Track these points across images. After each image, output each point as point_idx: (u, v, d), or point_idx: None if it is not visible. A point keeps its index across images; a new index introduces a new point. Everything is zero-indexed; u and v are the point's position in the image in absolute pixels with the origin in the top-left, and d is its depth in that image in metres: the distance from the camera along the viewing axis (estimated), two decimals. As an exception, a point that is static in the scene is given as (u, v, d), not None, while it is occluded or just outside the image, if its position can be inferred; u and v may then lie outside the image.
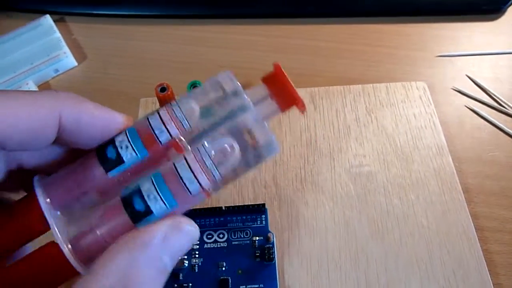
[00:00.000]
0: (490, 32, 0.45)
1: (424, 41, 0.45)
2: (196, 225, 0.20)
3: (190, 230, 0.20)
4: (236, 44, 0.46)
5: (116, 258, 0.18)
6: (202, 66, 0.44)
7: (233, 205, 0.32)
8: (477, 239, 0.31)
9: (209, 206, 0.32)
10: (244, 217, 0.31)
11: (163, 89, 0.35)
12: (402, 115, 0.37)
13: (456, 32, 0.45)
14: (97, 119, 0.20)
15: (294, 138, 0.36)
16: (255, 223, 0.31)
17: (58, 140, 0.19)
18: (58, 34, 0.45)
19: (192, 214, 0.31)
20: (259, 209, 0.31)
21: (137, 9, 0.48)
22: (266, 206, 0.32)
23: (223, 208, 0.31)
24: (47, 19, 0.46)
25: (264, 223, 0.31)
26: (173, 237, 0.19)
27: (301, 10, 0.46)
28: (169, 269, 0.19)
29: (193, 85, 0.35)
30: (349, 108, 0.37)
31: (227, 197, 0.33)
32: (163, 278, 0.19)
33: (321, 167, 0.34)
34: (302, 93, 0.38)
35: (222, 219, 0.31)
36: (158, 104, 0.37)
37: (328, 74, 0.43)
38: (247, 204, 0.31)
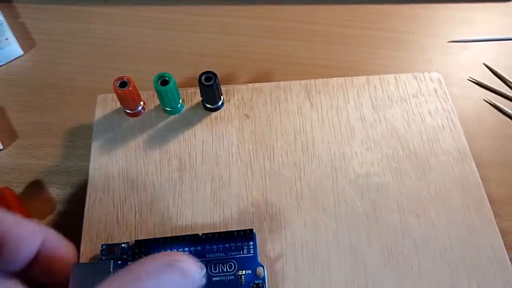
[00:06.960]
0: (511, 13, 0.39)
1: (433, 24, 0.39)
2: (200, 265, 0.20)
3: (186, 270, 0.20)
4: (217, 28, 0.39)
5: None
6: (175, 55, 0.37)
7: (212, 231, 0.26)
8: (509, 264, 0.25)
9: (183, 234, 0.25)
10: (227, 246, 0.25)
11: (123, 84, 0.28)
12: (415, 113, 0.30)
13: (471, 13, 0.39)
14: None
15: (287, 142, 0.29)
16: (241, 252, 0.25)
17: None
18: (0, 17, 0.38)
19: (161, 242, 0.25)
20: (245, 235, 0.25)
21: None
22: (254, 231, 0.25)
23: (200, 236, 0.25)
24: (-13, -1, 0.39)
25: (252, 252, 0.25)
26: (165, 275, 0.19)
27: (291, -12, 0.39)
28: None
29: (161, 79, 0.28)
30: (352, 105, 0.31)
31: (205, 219, 0.26)
32: None
33: (321, 178, 0.28)
34: (296, 86, 0.31)
35: (199, 248, 0.25)
36: (117, 102, 0.30)
37: (324, 62, 0.36)
38: (230, 230, 0.25)
